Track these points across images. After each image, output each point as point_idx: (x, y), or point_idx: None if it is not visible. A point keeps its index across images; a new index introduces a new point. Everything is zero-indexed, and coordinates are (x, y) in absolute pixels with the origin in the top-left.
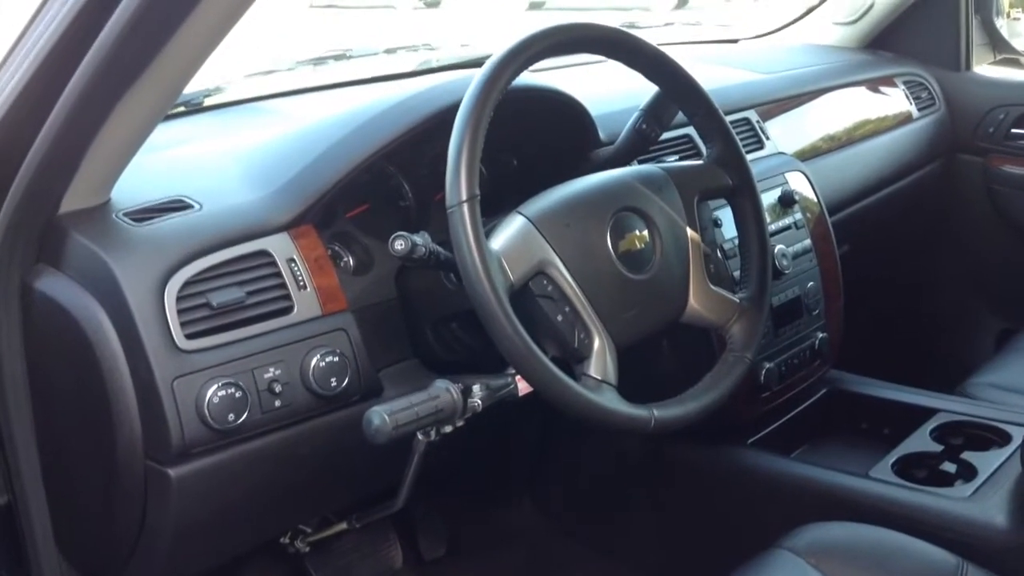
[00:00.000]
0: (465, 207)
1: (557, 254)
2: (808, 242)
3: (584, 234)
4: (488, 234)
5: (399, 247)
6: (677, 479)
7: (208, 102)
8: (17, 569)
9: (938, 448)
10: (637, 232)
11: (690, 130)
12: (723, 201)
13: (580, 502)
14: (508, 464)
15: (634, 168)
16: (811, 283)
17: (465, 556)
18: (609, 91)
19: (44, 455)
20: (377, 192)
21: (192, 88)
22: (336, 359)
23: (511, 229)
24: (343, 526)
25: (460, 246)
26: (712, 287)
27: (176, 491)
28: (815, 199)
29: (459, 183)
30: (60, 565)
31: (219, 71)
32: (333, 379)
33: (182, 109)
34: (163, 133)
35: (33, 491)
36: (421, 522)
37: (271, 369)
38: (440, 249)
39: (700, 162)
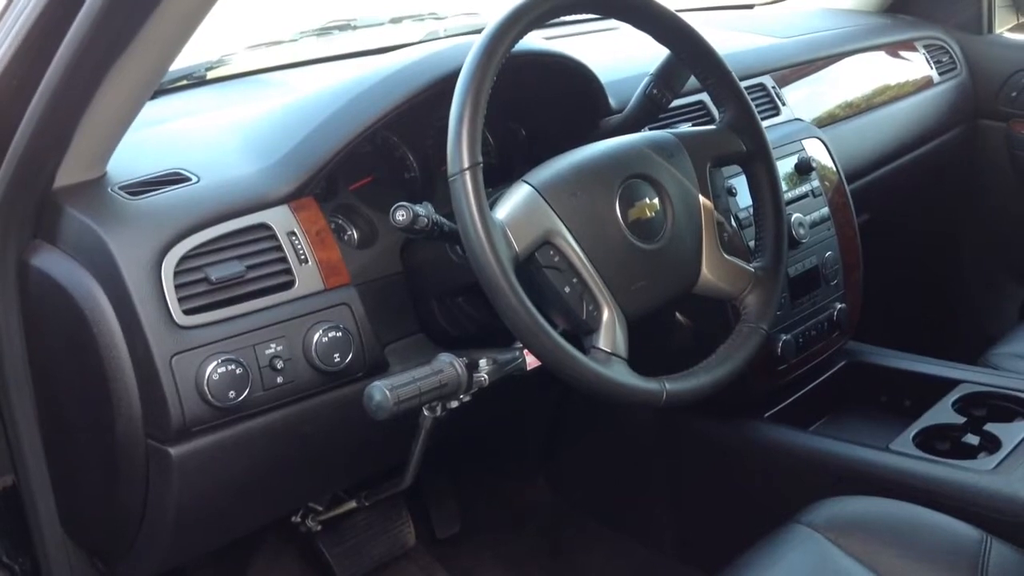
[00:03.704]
0: (467, 175)
1: (564, 223)
2: (826, 210)
3: (592, 203)
4: (493, 204)
5: (400, 218)
6: (693, 454)
7: (211, 75)
8: (23, 550)
9: (960, 420)
10: (647, 200)
11: (703, 96)
12: (738, 169)
13: (595, 479)
14: (522, 442)
15: (644, 134)
16: (829, 252)
17: (479, 534)
18: (620, 58)
19: (46, 435)
20: (382, 164)
21: (194, 61)
22: (339, 334)
23: (516, 198)
24: (353, 504)
25: (462, 215)
26: (726, 256)
27: (177, 470)
28: (833, 167)
29: (460, 150)
30: (66, 545)
31: (221, 43)
32: (336, 355)
33: (184, 82)
34: (165, 107)
35: (36, 471)
36: (434, 500)
37: (272, 345)
38: (444, 220)
39: (713, 127)
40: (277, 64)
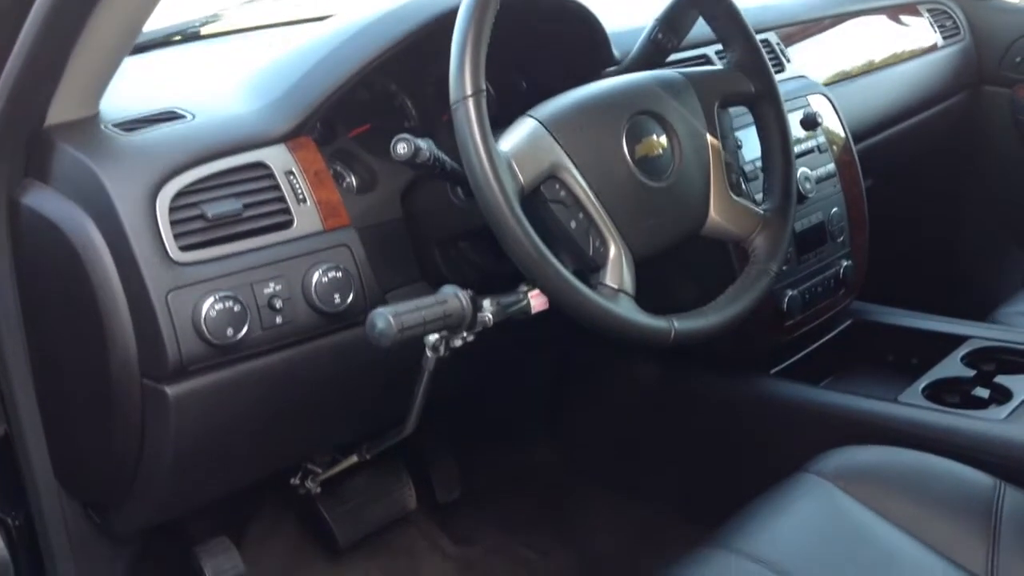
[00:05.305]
0: (471, 102)
1: (570, 157)
2: (832, 166)
3: (599, 137)
4: (497, 139)
5: (402, 150)
6: (699, 412)
7: (204, 31)
8: (16, 501)
9: (970, 373)
10: (655, 137)
11: (707, 49)
12: (745, 122)
13: (599, 439)
14: (524, 404)
15: (652, 72)
16: (835, 209)
17: (481, 498)
18: (625, 10)
19: (40, 381)
20: (380, 112)
21: (188, 16)
22: (339, 275)
23: (521, 131)
24: (354, 459)
25: (466, 145)
26: (734, 197)
27: (175, 411)
28: (839, 124)
29: (463, 76)
30: (60, 497)
31: None
32: (336, 295)
33: (178, 38)
34: (158, 60)
35: (30, 420)
36: (435, 464)
37: (271, 284)
38: (446, 157)
39: (720, 67)
40: (272, 22)
